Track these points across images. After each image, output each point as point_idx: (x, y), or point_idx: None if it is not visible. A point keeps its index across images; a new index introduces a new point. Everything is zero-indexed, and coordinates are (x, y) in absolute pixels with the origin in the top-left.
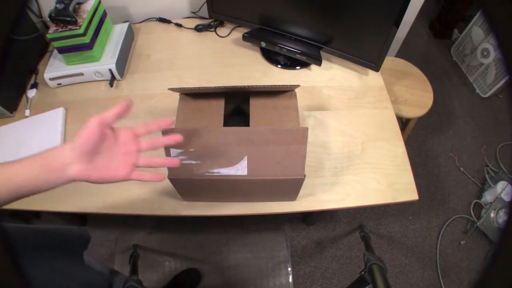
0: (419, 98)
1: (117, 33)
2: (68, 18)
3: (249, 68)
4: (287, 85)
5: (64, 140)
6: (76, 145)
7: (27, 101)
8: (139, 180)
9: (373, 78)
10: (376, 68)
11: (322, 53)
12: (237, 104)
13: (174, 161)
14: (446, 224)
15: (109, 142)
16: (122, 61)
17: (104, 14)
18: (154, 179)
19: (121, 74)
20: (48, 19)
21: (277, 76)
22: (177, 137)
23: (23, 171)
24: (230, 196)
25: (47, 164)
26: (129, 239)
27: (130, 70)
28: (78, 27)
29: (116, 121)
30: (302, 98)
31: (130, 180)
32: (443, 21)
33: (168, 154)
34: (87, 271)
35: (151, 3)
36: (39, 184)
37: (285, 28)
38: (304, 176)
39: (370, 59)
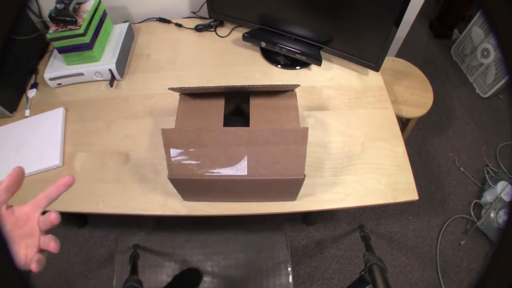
0: (419, 98)
1: (117, 33)
2: (68, 18)
3: (249, 68)
4: (287, 85)
5: (64, 140)
6: None
7: (27, 101)
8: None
9: (373, 78)
10: (376, 68)
11: (322, 53)
12: (237, 104)
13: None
14: (446, 224)
15: (8, 225)
16: (122, 61)
17: (104, 14)
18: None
19: (121, 74)
20: (48, 19)
21: (277, 76)
22: (67, 180)
23: None
24: (230, 196)
25: None
26: (129, 239)
27: (130, 70)
28: (78, 27)
29: (8, 197)
30: (302, 98)
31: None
32: (443, 21)
33: (168, 153)
34: None
35: (151, 3)
36: None
37: (285, 28)
38: (304, 176)
39: (370, 59)
